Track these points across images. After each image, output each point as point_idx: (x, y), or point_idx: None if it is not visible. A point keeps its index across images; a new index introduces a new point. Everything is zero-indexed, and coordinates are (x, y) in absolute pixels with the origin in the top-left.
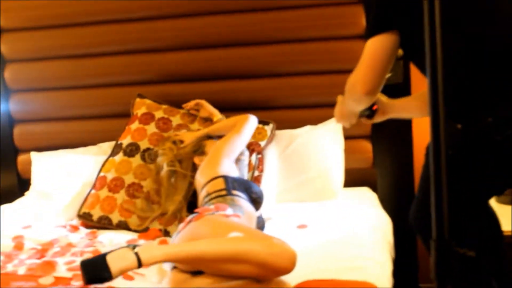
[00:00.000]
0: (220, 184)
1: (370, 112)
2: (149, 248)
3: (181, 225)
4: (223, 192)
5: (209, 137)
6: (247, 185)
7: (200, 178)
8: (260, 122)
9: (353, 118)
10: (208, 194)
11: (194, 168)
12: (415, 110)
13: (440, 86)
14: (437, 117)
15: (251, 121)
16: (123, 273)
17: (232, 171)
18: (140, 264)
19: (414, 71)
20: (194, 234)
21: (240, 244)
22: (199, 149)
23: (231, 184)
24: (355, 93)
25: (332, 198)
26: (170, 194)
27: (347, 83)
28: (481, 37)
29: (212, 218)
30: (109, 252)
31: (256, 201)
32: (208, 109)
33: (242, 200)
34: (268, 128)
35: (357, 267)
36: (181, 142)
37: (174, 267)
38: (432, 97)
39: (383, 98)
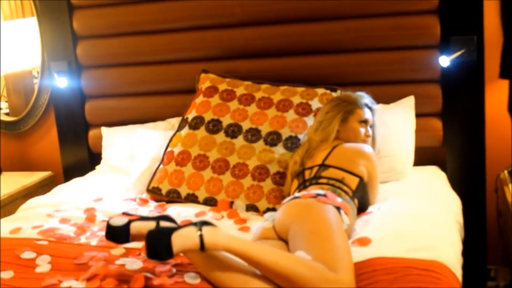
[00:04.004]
0: (353, 183)
1: None
2: (215, 233)
3: (303, 193)
4: (350, 194)
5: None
6: (364, 199)
7: (339, 156)
8: (327, 88)
9: None
10: (342, 182)
11: None
12: None
13: None
14: None
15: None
16: (184, 252)
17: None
18: (202, 248)
19: (488, 48)
20: (302, 215)
21: (298, 267)
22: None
23: (360, 192)
24: None
25: (401, 179)
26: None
27: None
28: None
29: (328, 213)
30: (177, 229)
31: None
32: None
33: (355, 209)
34: (336, 95)
35: (427, 247)
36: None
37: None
38: None
39: None
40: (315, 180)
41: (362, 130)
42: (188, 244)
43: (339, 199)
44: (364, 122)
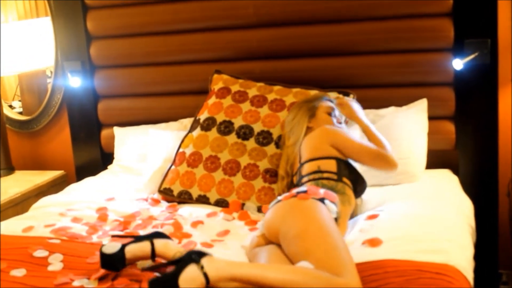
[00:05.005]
0: (332, 165)
1: None
2: (216, 266)
3: (285, 194)
4: (335, 177)
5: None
6: (355, 173)
7: (306, 150)
8: (340, 93)
9: None
10: (320, 171)
11: None
12: None
13: None
14: None
15: (387, 166)
16: None
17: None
18: (208, 283)
19: (502, 52)
20: (286, 216)
21: (304, 280)
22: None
23: (343, 171)
24: None
25: (413, 181)
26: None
27: None
28: None
29: (313, 208)
30: (179, 271)
31: (359, 192)
32: (352, 114)
33: (349, 190)
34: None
35: (438, 249)
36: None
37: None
38: None
39: None
40: (300, 182)
41: (334, 119)
42: (195, 284)
43: (321, 190)
44: (332, 112)
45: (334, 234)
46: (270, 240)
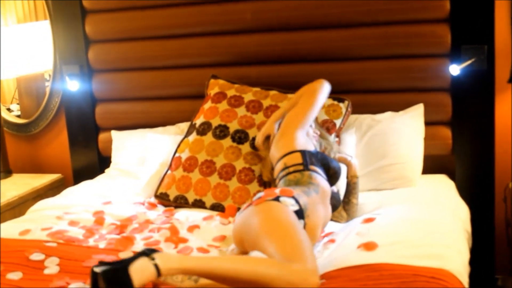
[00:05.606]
0: (297, 158)
1: None
2: (167, 259)
3: (245, 205)
4: (300, 167)
5: None
6: (324, 160)
7: (275, 152)
8: (335, 99)
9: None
10: (286, 167)
11: None
12: None
13: None
14: None
15: (322, 86)
16: (143, 284)
17: (309, 144)
18: (159, 274)
19: (498, 57)
20: (246, 224)
21: (258, 267)
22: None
23: (309, 159)
24: None
25: (409, 186)
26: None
27: None
28: None
29: (270, 209)
30: (130, 262)
31: (332, 177)
32: (273, 127)
33: (318, 176)
34: (343, 106)
35: (434, 254)
36: (269, 137)
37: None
38: None
39: None
40: (275, 184)
41: (311, 129)
42: (146, 275)
43: (277, 190)
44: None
45: (288, 224)
46: (243, 251)
